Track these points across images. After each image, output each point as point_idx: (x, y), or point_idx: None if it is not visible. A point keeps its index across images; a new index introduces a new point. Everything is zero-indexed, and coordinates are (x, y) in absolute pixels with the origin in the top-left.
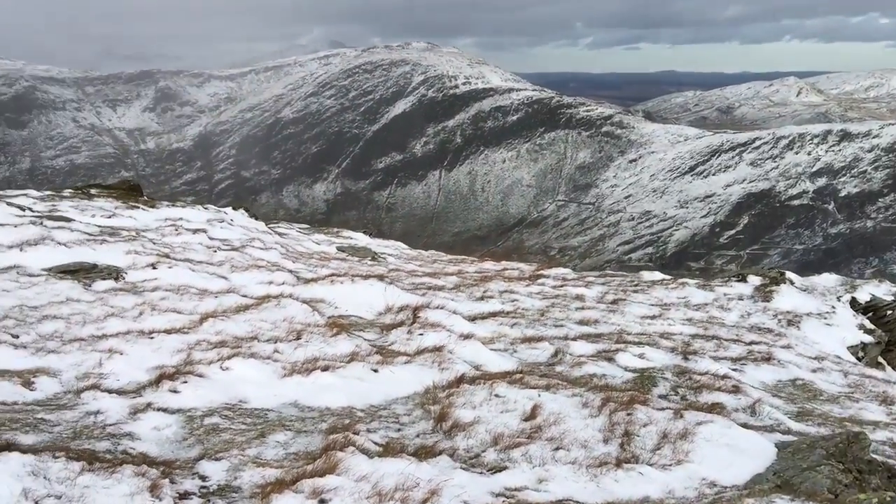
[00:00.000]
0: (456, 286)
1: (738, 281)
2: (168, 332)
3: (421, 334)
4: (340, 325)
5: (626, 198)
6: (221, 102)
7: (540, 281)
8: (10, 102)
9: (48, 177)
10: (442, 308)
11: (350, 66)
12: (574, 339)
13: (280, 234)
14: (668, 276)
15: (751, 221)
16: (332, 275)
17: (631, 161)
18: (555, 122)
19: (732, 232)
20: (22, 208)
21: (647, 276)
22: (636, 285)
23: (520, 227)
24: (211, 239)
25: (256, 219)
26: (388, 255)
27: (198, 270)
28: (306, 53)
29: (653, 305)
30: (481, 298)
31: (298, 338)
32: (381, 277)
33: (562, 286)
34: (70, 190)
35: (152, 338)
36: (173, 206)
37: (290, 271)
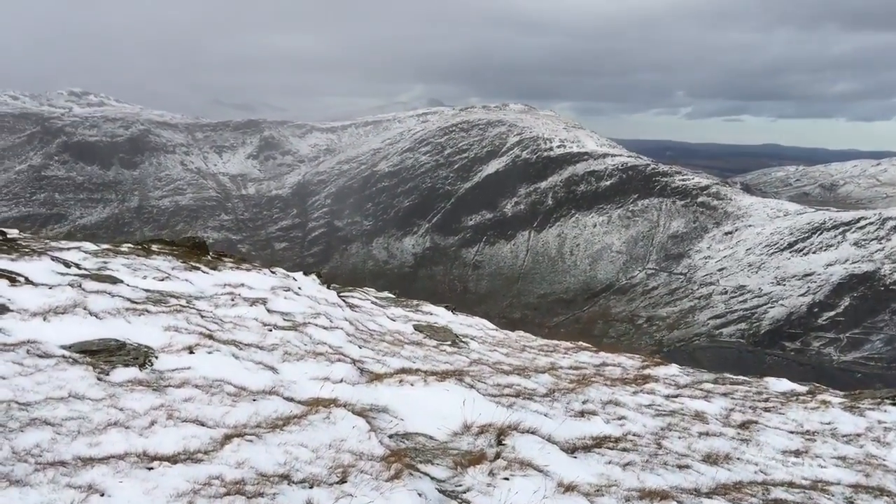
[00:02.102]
0: (549, 391)
1: (893, 404)
2: (175, 459)
3: (506, 478)
4: (401, 457)
5: (719, 270)
6: (321, 153)
7: (648, 387)
8: (125, 144)
9: (154, 216)
10: (534, 433)
11: (447, 123)
12: (707, 494)
13: (352, 307)
14: (799, 387)
15: (852, 304)
16: (402, 371)
17: (726, 233)
18: (649, 189)
19: (832, 313)
20: (68, 264)
21: (775, 384)
22: (766, 399)
23: (607, 293)
24: (270, 312)
25: (329, 286)
26: (471, 337)
27: (242, 358)
28: (405, 110)
29: (793, 433)
30: (581, 414)
31: (343, 480)
32: (460, 377)
33: (676, 396)
34: (129, 245)
35: (151, 468)
36: (238, 268)
37: (354, 361)
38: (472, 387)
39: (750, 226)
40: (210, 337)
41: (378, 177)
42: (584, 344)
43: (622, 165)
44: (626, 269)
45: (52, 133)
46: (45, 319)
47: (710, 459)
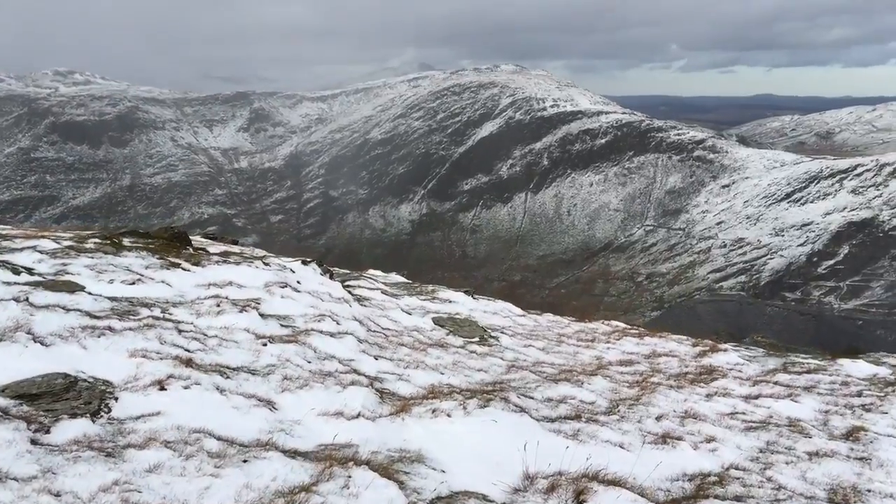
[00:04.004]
0: (612, 404)
1: None
2: None
3: None
4: None
5: (717, 224)
6: (312, 123)
7: (718, 384)
8: (113, 122)
9: (147, 194)
10: (620, 484)
11: (438, 88)
12: None
13: (360, 300)
14: (882, 370)
15: (851, 252)
16: (433, 393)
17: (724, 186)
18: (644, 145)
19: (831, 262)
20: (17, 270)
21: (853, 369)
22: (858, 394)
23: (606, 251)
24: (264, 318)
25: (332, 276)
26: (499, 329)
27: (230, 391)
28: (396, 76)
29: None
30: (662, 440)
31: None
32: (503, 393)
33: (756, 397)
34: (96, 240)
35: None
36: (225, 261)
37: (371, 380)
38: (521, 410)
39: (747, 178)
40: (188, 363)
41: (371, 144)
42: (620, 324)
43: (617, 123)
44: (625, 227)
45: (40, 114)
46: None
47: (839, 497)
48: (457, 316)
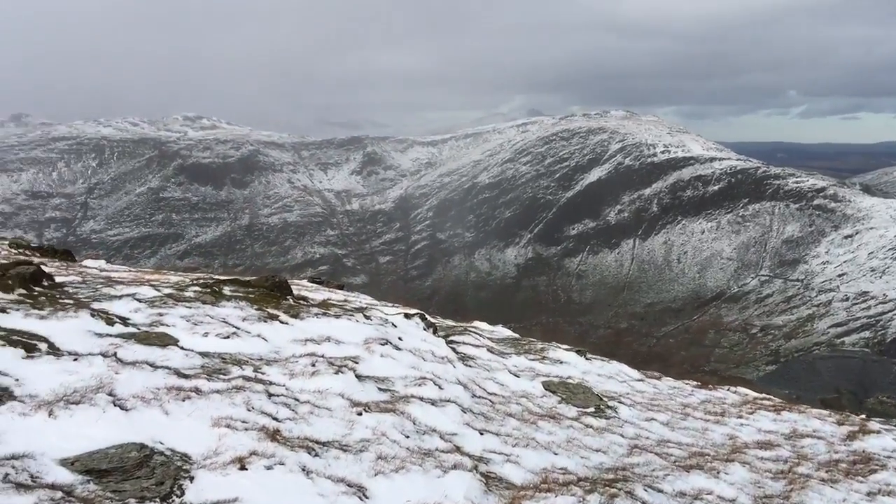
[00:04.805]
0: None
1: None
2: None
3: None
4: None
5: (839, 276)
6: (422, 167)
7: (878, 478)
8: (236, 164)
9: (263, 233)
10: None
11: (547, 133)
12: None
13: (465, 360)
14: None
15: None
16: (546, 483)
17: (846, 237)
18: (760, 193)
19: None
20: (110, 321)
21: None
22: None
23: (718, 301)
24: (361, 380)
25: (435, 331)
26: (616, 396)
27: (317, 473)
28: (505, 121)
29: None
30: None
31: None
32: (628, 486)
33: None
34: (197, 288)
35: None
36: (325, 313)
37: (476, 463)
38: None
39: (871, 228)
40: (274, 436)
41: (479, 188)
42: (750, 393)
43: (731, 169)
44: (738, 277)
45: (169, 156)
46: (50, 414)
47: None
48: (569, 380)
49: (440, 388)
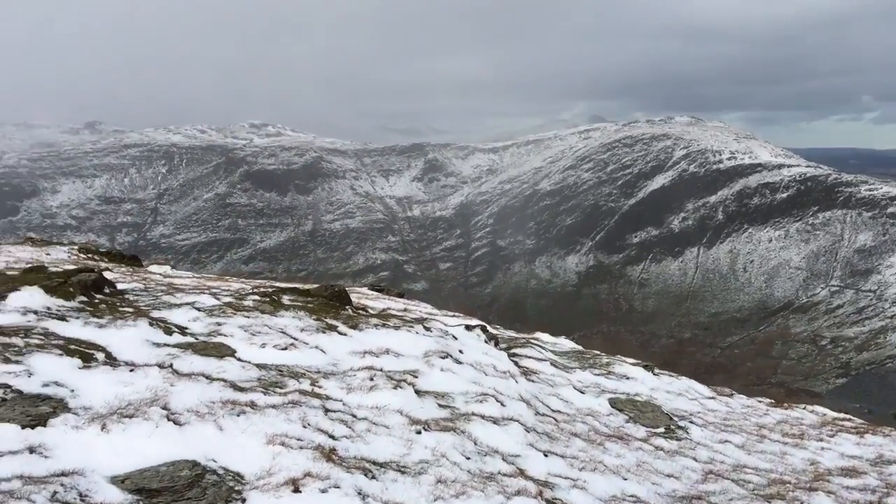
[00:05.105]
0: None
1: None
2: None
3: None
4: None
5: None
6: (483, 174)
7: None
8: (300, 171)
9: (326, 239)
10: None
11: (610, 140)
12: None
13: (527, 374)
14: None
15: None
16: None
17: None
18: (831, 200)
19: None
20: (169, 330)
21: None
22: None
23: (785, 311)
24: (420, 395)
25: (497, 344)
26: (686, 415)
27: (373, 497)
28: (567, 128)
29: None
30: None
31: None
32: None
33: None
34: (257, 297)
35: None
36: (385, 324)
37: (540, 486)
38: None
39: None
40: (330, 456)
41: (540, 195)
42: (829, 413)
43: (800, 176)
44: (807, 287)
45: (235, 163)
46: (103, 428)
47: None
48: (636, 397)
49: (502, 405)
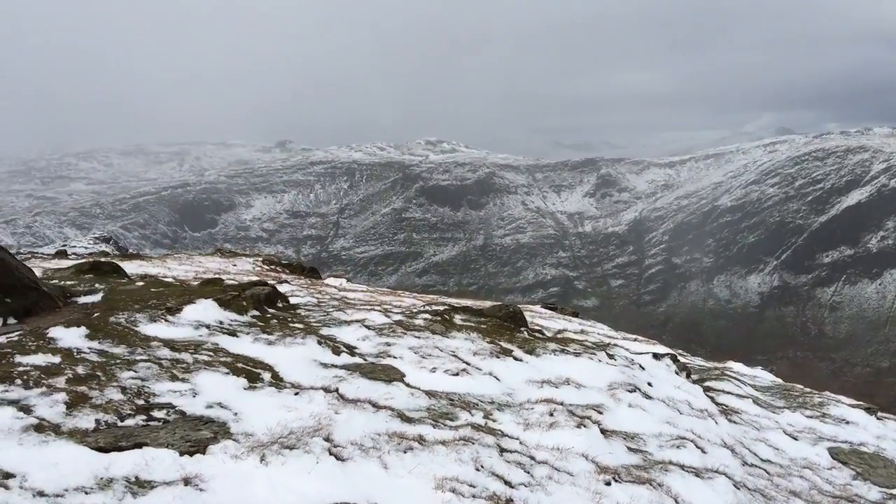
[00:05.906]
0: None
1: None
2: None
3: None
4: None
5: None
6: (658, 189)
7: None
8: (473, 186)
9: (496, 253)
10: None
11: (798, 153)
12: None
13: (727, 413)
14: None
15: None
16: None
17: None
18: None
19: None
20: (337, 349)
21: None
22: None
23: None
24: (606, 435)
25: (688, 375)
26: None
27: None
28: (751, 141)
29: None
30: None
31: None
32: None
33: None
34: (427, 315)
35: None
36: (564, 350)
37: None
38: None
39: None
40: None
41: (719, 211)
42: None
43: None
44: None
45: (412, 179)
46: (262, 459)
47: None
48: (861, 447)
49: (703, 451)
